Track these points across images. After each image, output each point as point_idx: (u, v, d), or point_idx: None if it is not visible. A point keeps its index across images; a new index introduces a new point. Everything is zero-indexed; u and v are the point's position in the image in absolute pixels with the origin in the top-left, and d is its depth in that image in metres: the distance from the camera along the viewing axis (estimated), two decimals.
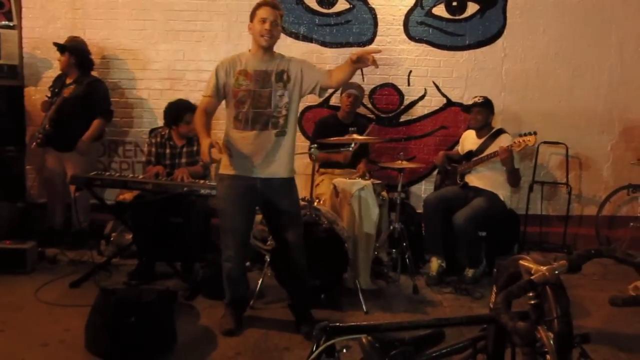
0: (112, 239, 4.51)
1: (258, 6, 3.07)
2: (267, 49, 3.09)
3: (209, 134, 3.04)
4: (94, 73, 4.73)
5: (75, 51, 4.59)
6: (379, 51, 2.98)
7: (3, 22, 5.05)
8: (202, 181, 3.95)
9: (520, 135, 4.09)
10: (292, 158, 3.22)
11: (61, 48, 4.56)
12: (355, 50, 3.15)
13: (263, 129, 3.09)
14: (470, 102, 4.44)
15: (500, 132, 4.36)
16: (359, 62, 2.91)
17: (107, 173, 4.20)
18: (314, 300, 3.52)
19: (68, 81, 4.60)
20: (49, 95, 4.61)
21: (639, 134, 5.27)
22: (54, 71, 4.87)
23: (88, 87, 4.52)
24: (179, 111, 4.17)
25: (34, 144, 4.55)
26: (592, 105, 5.23)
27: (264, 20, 3.02)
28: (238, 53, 3.22)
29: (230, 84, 3.11)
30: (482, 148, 4.34)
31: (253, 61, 3.12)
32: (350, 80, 4.70)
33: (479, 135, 4.44)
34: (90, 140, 4.55)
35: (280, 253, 3.38)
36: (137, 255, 4.06)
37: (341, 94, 4.64)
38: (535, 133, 4.04)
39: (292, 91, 3.12)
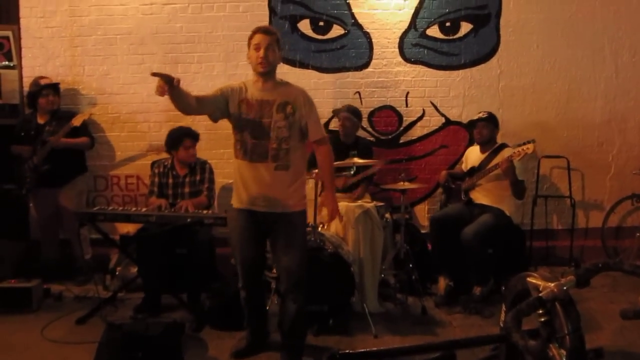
0: (117, 272, 4.49)
1: (252, 34, 3.02)
2: (267, 76, 3.01)
3: (180, 89, 2.78)
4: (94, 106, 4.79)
5: (59, 92, 4.70)
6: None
7: (3, 63, 5.11)
8: (205, 211, 3.95)
9: (519, 145, 4.09)
10: (297, 193, 3.08)
11: (56, 89, 4.65)
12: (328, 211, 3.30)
13: (261, 160, 2.99)
14: (475, 118, 4.45)
15: (503, 146, 4.37)
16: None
17: (110, 207, 4.19)
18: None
19: (41, 120, 4.61)
20: (18, 138, 4.58)
21: (638, 143, 5.28)
22: None
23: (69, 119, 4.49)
24: (178, 136, 4.20)
25: (24, 191, 4.55)
26: (590, 117, 5.25)
27: (257, 47, 2.95)
28: (244, 80, 3.13)
29: (234, 106, 3.02)
30: (484, 163, 4.33)
31: (254, 90, 3.04)
32: (345, 103, 4.72)
33: (482, 150, 4.44)
34: (66, 142, 4.47)
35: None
36: (142, 288, 4.04)
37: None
38: (533, 141, 4.04)
39: (292, 125, 2.99)
